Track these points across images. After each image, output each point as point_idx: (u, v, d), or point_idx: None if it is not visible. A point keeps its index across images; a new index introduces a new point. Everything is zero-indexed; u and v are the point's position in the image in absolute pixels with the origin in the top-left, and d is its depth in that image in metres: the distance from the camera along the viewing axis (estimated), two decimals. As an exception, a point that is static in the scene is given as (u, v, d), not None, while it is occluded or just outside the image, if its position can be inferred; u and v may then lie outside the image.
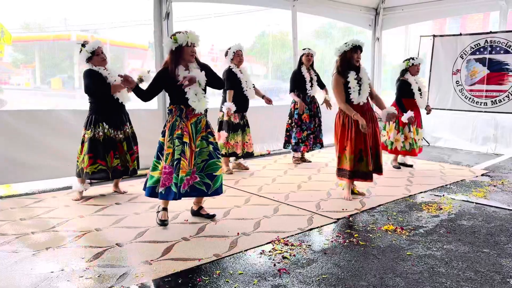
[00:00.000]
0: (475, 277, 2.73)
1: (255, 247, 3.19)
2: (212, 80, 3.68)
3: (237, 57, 5.46)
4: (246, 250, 3.13)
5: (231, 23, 8.24)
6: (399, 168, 6.00)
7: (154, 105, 5.89)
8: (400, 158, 6.20)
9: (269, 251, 3.11)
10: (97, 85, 4.20)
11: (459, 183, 5.26)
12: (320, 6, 7.85)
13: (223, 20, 8.11)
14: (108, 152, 4.30)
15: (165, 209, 3.70)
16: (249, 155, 5.77)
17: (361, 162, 4.34)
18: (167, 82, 3.56)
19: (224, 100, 5.48)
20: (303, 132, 6.08)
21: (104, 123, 4.28)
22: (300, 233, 3.50)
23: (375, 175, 4.48)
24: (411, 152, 5.89)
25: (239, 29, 8.69)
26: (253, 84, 5.73)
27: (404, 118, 5.58)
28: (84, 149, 4.25)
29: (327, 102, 6.13)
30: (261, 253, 3.08)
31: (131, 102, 4.43)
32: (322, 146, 6.31)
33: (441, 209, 4.18)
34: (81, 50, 4.24)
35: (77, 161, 4.35)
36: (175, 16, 6.02)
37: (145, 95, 3.59)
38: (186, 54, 3.53)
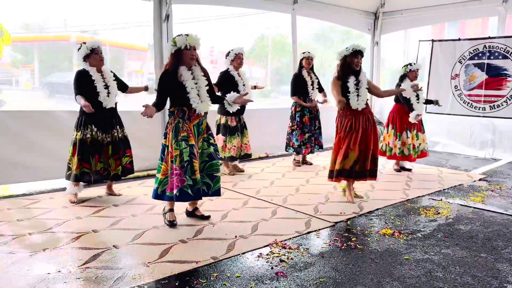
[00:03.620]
0: (472, 282, 2.73)
1: (253, 250, 3.18)
2: (210, 89, 3.70)
3: (238, 59, 5.44)
4: (243, 253, 3.12)
5: (230, 26, 8.26)
6: (400, 171, 6.03)
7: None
8: (400, 163, 6.21)
9: (267, 254, 3.11)
10: (80, 89, 4.13)
11: (457, 187, 5.27)
12: (319, 10, 7.87)
13: (223, 23, 8.13)
14: (93, 155, 4.24)
15: (171, 209, 3.72)
16: (246, 156, 5.76)
17: (358, 163, 4.37)
18: (170, 84, 3.53)
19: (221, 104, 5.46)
20: (304, 134, 6.12)
21: (92, 125, 4.22)
22: (298, 236, 3.49)
23: (368, 181, 4.52)
24: (408, 157, 5.89)
25: (238, 32, 8.71)
26: (254, 86, 5.75)
27: (412, 118, 5.55)
28: (75, 151, 4.21)
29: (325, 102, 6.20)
30: (258, 256, 3.08)
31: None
32: (320, 147, 6.32)
33: (439, 213, 4.18)
34: (80, 47, 4.18)
35: (69, 163, 4.30)
36: (175, 18, 6.03)
37: (159, 106, 3.55)
38: (185, 57, 3.52)
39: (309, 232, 3.59)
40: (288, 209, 4.22)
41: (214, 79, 5.30)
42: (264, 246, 3.25)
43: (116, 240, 3.32)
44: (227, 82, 5.35)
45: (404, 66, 5.86)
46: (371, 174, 4.50)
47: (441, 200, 4.67)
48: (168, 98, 3.62)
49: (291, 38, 7.55)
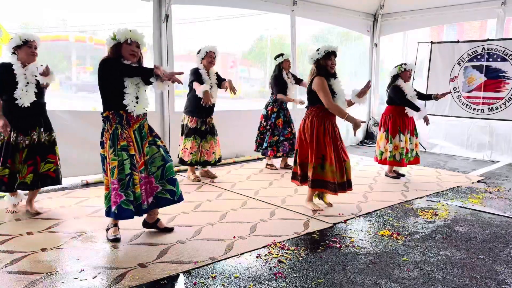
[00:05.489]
0: (470, 283, 2.74)
1: (251, 250, 3.18)
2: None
3: (208, 57, 5.11)
4: (242, 254, 3.12)
5: (229, 27, 8.26)
6: (398, 178, 5.77)
7: (152, 107, 5.87)
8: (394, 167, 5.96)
9: (265, 255, 3.11)
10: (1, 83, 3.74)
11: (455, 189, 5.27)
12: (319, 11, 7.88)
13: (222, 24, 8.13)
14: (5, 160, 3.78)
15: (115, 225, 3.37)
16: (206, 163, 5.35)
17: (337, 172, 4.09)
18: (111, 75, 3.17)
19: (188, 103, 5.22)
20: (274, 137, 5.98)
21: (12, 128, 3.80)
22: (296, 237, 3.49)
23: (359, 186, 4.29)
24: (401, 162, 5.59)
25: (237, 32, 8.72)
26: (227, 79, 5.28)
27: (419, 117, 5.44)
28: None
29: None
30: (257, 257, 3.08)
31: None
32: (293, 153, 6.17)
33: (437, 215, 4.19)
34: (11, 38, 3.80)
35: None
36: (174, 18, 6.03)
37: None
38: (125, 51, 3.20)
39: (307, 233, 3.59)
40: (287, 210, 4.22)
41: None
42: (262, 247, 3.25)
43: (114, 241, 3.31)
44: (197, 77, 5.07)
45: (398, 65, 5.57)
46: (348, 185, 4.19)
47: (439, 201, 4.67)
48: (102, 100, 3.27)
49: (290, 39, 7.56)
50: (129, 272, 2.77)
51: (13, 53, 3.82)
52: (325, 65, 4.05)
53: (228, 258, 3.05)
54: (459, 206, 4.50)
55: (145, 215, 3.48)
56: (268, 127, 6.02)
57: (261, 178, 5.61)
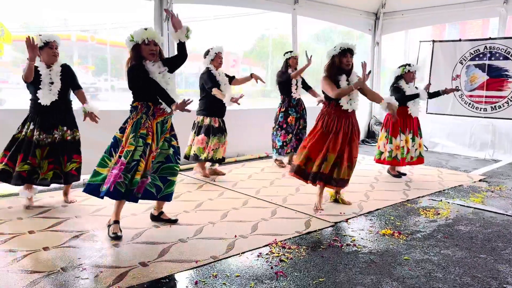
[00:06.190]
0: (472, 282, 2.73)
1: (253, 249, 3.18)
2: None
3: (218, 59, 5.23)
4: (243, 253, 3.12)
5: (231, 26, 8.27)
6: (400, 176, 5.75)
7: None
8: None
9: (267, 254, 3.11)
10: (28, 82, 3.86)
11: (457, 188, 5.26)
12: (320, 10, 7.87)
13: (223, 23, 8.14)
14: (18, 154, 3.91)
15: (116, 221, 3.42)
16: (219, 160, 5.40)
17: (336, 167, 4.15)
18: (141, 78, 3.31)
19: (202, 104, 5.32)
20: (288, 135, 6.06)
21: (32, 122, 3.97)
22: (298, 236, 3.49)
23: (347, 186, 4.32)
24: (400, 161, 5.58)
25: (239, 31, 8.72)
26: (251, 75, 5.53)
27: (423, 99, 5.51)
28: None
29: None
30: (258, 256, 3.08)
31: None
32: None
33: (439, 214, 4.18)
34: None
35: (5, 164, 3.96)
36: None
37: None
38: (144, 52, 3.33)
39: (309, 232, 3.58)
40: (288, 209, 4.22)
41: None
42: (263, 246, 3.25)
43: (115, 239, 3.32)
44: (212, 80, 5.16)
45: (402, 66, 5.56)
46: (341, 183, 4.22)
47: (441, 200, 4.66)
48: (132, 93, 3.43)
49: (292, 38, 7.55)
50: (131, 271, 2.78)
51: None
52: (340, 62, 4.09)
53: (229, 257, 3.05)
54: (460, 205, 4.50)
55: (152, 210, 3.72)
56: (277, 127, 6.11)
57: (262, 177, 5.61)
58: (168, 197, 3.54)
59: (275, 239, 3.37)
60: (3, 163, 3.92)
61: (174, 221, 3.72)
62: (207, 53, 5.27)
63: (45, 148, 3.97)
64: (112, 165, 3.32)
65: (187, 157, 5.41)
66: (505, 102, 7.03)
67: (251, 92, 5.91)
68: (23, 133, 3.97)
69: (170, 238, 3.37)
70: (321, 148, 4.16)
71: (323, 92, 4.24)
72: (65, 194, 4.36)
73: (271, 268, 2.88)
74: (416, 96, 5.50)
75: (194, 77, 8.40)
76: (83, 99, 4.09)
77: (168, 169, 3.49)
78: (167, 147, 3.49)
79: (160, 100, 3.35)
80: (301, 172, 4.27)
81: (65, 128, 4.08)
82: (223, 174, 5.65)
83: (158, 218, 3.73)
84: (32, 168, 3.93)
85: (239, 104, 5.16)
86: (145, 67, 3.34)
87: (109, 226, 3.43)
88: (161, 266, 2.86)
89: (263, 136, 6.82)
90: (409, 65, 5.57)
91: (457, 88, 5.76)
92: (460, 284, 2.70)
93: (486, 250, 3.28)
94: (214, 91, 5.15)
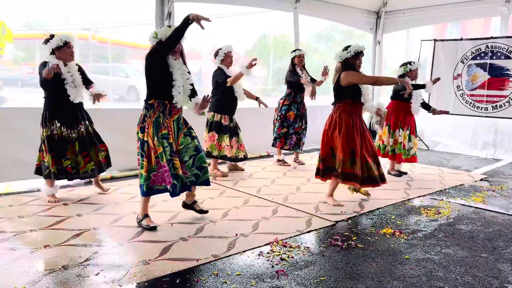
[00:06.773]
0: (473, 281, 2.73)
1: (253, 248, 3.18)
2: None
3: (228, 58, 5.31)
4: (244, 251, 3.12)
5: (232, 24, 8.27)
6: (400, 175, 5.76)
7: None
8: (396, 166, 5.95)
9: (267, 253, 3.11)
10: (46, 81, 3.97)
11: (458, 187, 5.26)
12: (322, 9, 7.86)
13: (225, 21, 8.14)
14: (57, 152, 4.12)
15: (146, 215, 3.58)
16: (236, 160, 5.51)
17: (368, 166, 4.18)
18: (159, 67, 3.40)
19: (215, 102, 5.34)
20: (283, 128, 6.09)
21: (56, 120, 4.11)
22: (299, 235, 3.49)
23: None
24: (397, 156, 5.65)
25: (240, 30, 8.72)
26: (256, 97, 5.73)
27: (429, 90, 5.56)
28: (46, 149, 4.10)
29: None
30: (259, 255, 3.08)
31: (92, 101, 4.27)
32: (300, 148, 6.20)
33: (440, 213, 4.18)
34: (50, 38, 4.07)
35: (44, 161, 4.18)
36: (177, 16, 6.02)
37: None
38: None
39: (309, 231, 3.58)
40: (289, 208, 4.22)
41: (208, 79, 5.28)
42: (264, 245, 3.25)
43: (117, 237, 3.33)
44: (225, 77, 5.25)
45: (403, 65, 5.57)
46: (381, 178, 4.26)
47: (442, 200, 4.66)
48: (148, 89, 3.49)
49: (293, 37, 7.54)
50: (132, 269, 2.78)
51: (51, 53, 4.06)
52: (353, 64, 4.16)
53: (230, 255, 3.05)
54: (462, 204, 4.49)
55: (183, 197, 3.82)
56: (277, 118, 6.13)
57: (263, 176, 5.61)
58: (207, 182, 3.69)
59: (276, 238, 3.37)
60: (56, 164, 4.11)
61: (205, 212, 3.85)
62: (216, 53, 5.35)
63: (74, 143, 4.17)
64: (152, 166, 3.44)
65: None
66: (506, 101, 7.03)
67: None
68: (55, 131, 4.11)
69: (171, 236, 3.38)
70: (357, 149, 4.16)
71: (336, 89, 4.23)
72: (98, 183, 4.56)
73: (272, 266, 2.88)
74: (422, 86, 5.52)
75: (194, 76, 8.39)
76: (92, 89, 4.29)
77: (201, 158, 3.63)
78: (190, 140, 3.60)
79: (173, 95, 3.43)
80: (370, 180, 4.19)
81: (87, 122, 4.31)
82: (242, 170, 5.81)
83: (191, 207, 3.85)
84: (72, 163, 4.16)
85: (254, 65, 5.16)
86: (167, 60, 3.42)
87: (140, 221, 3.57)
88: (162, 264, 2.86)
89: (264, 135, 6.81)
90: (410, 63, 5.58)
91: (447, 111, 5.80)
92: (461, 283, 2.70)
93: (487, 250, 3.28)
94: (229, 80, 5.22)
